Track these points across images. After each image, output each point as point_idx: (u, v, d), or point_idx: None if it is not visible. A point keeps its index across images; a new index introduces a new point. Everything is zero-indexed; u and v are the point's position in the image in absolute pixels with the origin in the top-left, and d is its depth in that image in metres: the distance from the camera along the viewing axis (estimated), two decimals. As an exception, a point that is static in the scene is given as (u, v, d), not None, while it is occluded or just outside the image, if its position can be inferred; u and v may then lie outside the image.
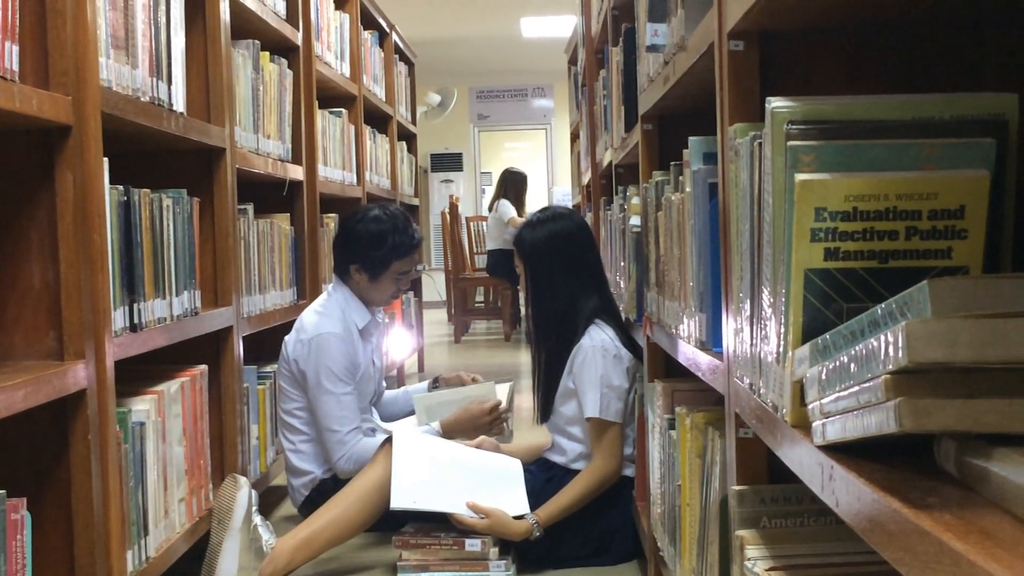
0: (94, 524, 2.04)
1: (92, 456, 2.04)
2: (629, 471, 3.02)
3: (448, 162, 13.57)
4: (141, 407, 2.35)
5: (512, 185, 8.93)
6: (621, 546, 2.97)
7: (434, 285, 11.49)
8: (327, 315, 3.40)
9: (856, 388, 0.88)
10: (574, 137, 7.11)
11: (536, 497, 2.97)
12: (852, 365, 0.89)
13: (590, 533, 2.96)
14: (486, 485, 2.95)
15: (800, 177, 1.05)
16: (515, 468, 3.06)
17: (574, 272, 3.10)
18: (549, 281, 3.10)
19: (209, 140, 2.87)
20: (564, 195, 10.94)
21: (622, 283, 3.19)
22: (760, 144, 1.23)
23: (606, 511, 2.97)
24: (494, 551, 2.85)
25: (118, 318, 2.24)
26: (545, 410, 3.13)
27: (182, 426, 2.60)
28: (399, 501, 2.82)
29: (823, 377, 0.97)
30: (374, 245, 3.40)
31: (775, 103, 1.14)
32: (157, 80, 2.51)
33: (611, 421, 2.97)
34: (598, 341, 3.00)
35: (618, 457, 2.98)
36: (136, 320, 2.34)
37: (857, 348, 0.88)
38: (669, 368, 2.41)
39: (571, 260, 3.11)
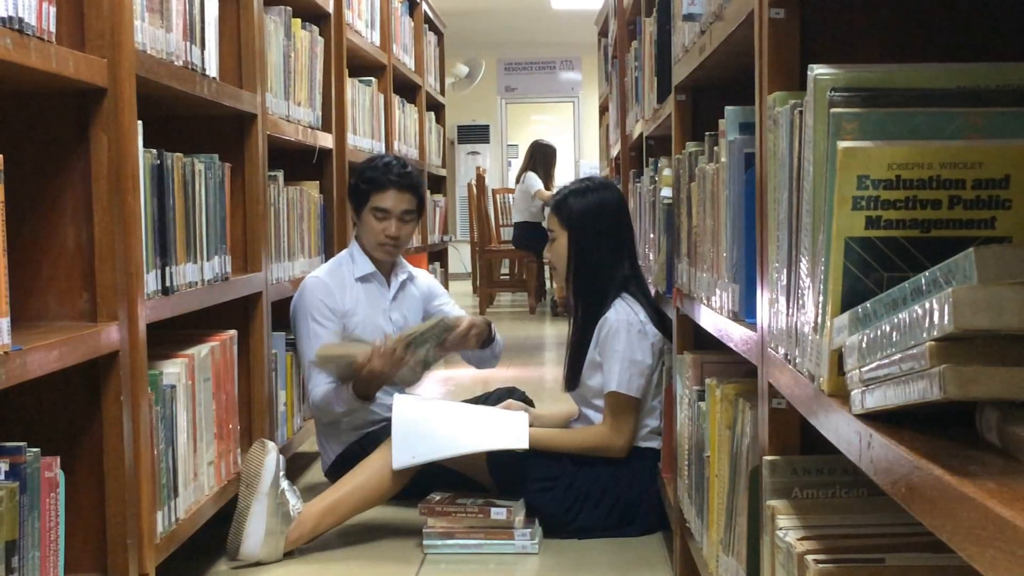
0: (126, 484, 2.06)
1: (124, 417, 2.06)
2: (655, 443, 3.02)
3: (475, 134, 13.55)
4: (172, 370, 2.37)
5: (542, 158, 8.90)
6: (645, 517, 2.98)
7: (459, 257, 11.50)
8: (322, 266, 3.48)
9: (898, 356, 0.87)
10: (603, 110, 7.08)
11: (556, 460, 2.98)
12: (894, 333, 0.89)
13: (615, 504, 2.96)
14: (484, 423, 3.00)
15: (843, 144, 1.04)
16: (520, 415, 3.06)
17: (613, 242, 3.12)
18: (592, 249, 3.10)
19: (241, 106, 2.88)
20: (591, 168, 10.90)
21: (652, 255, 3.18)
22: (801, 112, 1.22)
23: (631, 482, 2.98)
24: (519, 519, 2.86)
25: (150, 281, 2.25)
26: (572, 379, 3.13)
27: (212, 390, 2.62)
28: (400, 461, 2.86)
29: (863, 345, 0.97)
30: (354, 177, 3.46)
31: (818, 70, 1.13)
32: (191, 44, 2.51)
33: (631, 396, 2.97)
34: (623, 315, 3.00)
35: (627, 435, 2.98)
36: (168, 283, 2.36)
37: (900, 316, 0.88)
38: (698, 340, 2.41)
39: (613, 230, 3.12)
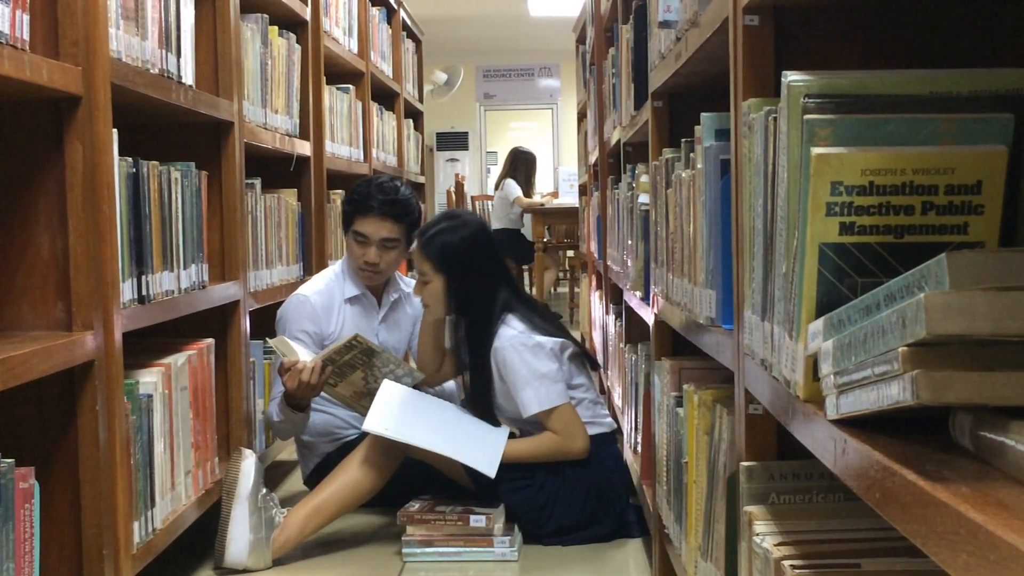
0: (102, 495, 2.04)
1: (100, 427, 2.04)
2: (600, 428, 3.05)
3: (454, 141, 13.56)
4: (149, 379, 2.36)
5: (522, 165, 8.89)
6: (616, 502, 2.99)
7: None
8: (312, 280, 3.45)
9: (872, 361, 0.87)
10: (581, 116, 7.09)
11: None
12: (868, 339, 0.89)
13: (587, 494, 2.96)
14: (464, 433, 2.96)
15: (816, 151, 1.05)
16: (500, 432, 3.04)
17: (488, 271, 3.10)
18: (472, 287, 3.07)
19: (218, 114, 2.87)
20: (570, 174, 10.90)
21: (629, 262, 3.19)
22: (775, 119, 1.22)
23: (595, 469, 2.98)
24: (499, 527, 2.86)
25: (126, 290, 2.24)
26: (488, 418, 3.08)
27: (189, 399, 2.61)
28: (371, 425, 2.84)
29: (838, 351, 0.97)
30: (346, 193, 3.42)
31: (792, 77, 1.14)
32: (166, 52, 2.50)
33: (557, 405, 2.96)
34: (509, 338, 2.99)
35: (580, 436, 2.97)
36: (144, 292, 2.34)
37: (873, 321, 0.88)
38: (676, 346, 2.41)
39: (486, 260, 3.11)
